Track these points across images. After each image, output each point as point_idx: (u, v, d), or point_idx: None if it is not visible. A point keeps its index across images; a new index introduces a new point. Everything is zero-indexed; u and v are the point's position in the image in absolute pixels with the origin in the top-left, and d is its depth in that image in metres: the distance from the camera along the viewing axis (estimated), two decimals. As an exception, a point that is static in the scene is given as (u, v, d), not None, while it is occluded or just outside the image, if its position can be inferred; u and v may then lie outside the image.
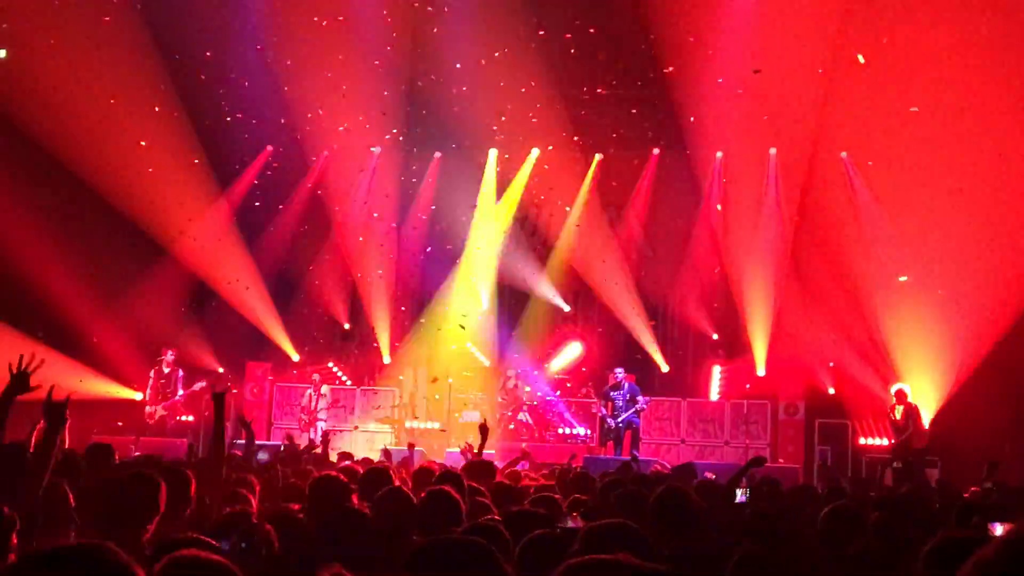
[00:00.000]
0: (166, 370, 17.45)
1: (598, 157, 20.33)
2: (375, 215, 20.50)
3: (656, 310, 20.30)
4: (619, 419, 16.87)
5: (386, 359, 20.58)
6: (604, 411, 17.30)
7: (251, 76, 18.26)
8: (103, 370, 17.54)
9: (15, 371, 5.33)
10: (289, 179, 20.33)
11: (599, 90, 18.87)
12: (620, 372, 17.35)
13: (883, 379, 17.76)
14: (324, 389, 18.43)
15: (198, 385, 17.32)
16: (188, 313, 19.29)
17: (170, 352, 17.59)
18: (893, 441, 16.82)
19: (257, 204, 19.96)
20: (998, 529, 5.26)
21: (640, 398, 16.96)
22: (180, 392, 17.32)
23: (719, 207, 19.91)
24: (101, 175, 16.88)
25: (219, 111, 18.43)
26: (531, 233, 21.19)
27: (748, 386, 19.07)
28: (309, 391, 18.41)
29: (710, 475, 12.55)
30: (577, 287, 20.95)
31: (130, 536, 4.12)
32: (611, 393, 17.19)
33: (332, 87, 18.19)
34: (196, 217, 18.75)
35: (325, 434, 11.62)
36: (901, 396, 16.80)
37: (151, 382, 17.47)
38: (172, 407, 17.41)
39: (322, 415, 18.11)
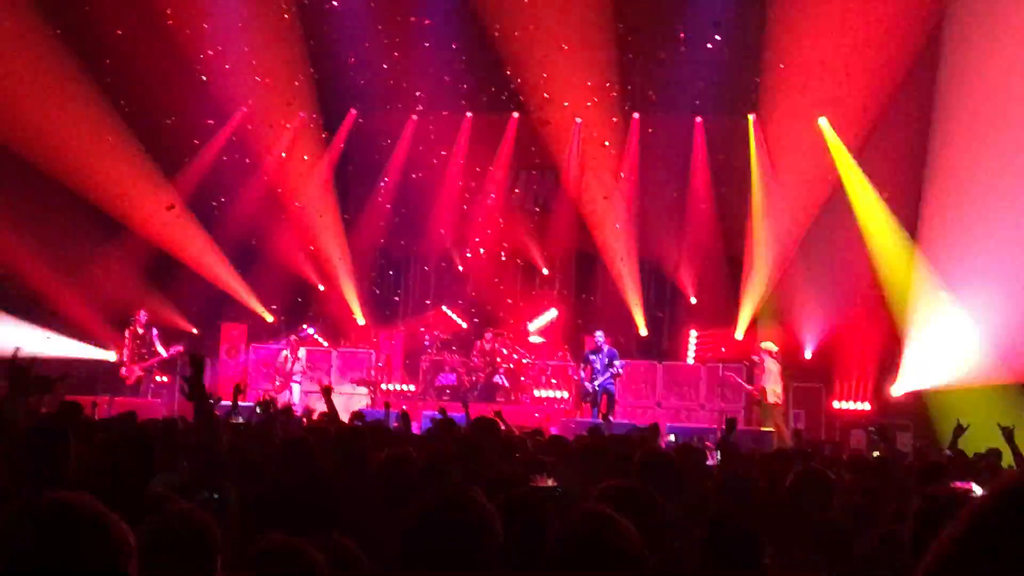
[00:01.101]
0: (140, 331, 17.35)
1: (578, 121, 20.25)
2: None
3: (650, 274, 20.27)
4: (596, 383, 16.91)
5: (360, 320, 20.61)
6: (582, 374, 17.33)
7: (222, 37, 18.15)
8: (71, 333, 17.50)
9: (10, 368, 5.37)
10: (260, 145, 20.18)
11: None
12: (600, 336, 17.33)
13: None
14: (301, 352, 18.39)
15: (174, 349, 17.24)
16: (152, 281, 19.14)
17: (142, 312, 17.49)
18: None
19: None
20: (976, 490, 5.32)
21: (617, 362, 16.96)
22: (161, 350, 17.21)
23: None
24: (51, 156, 16.75)
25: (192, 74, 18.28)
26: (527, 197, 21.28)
27: (723, 349, 19.17)
28: (285, 352, 18.37)
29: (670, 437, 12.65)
30: (560, 251, 20.97)
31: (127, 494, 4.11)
32: (590, 356, 17.19)
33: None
34: (157, 192, 18.68)
35: (326, 389, 11.39)
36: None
37: (127, 342, 17.38)
38: (149, 367, 17.33)
39: (297, 377, 18.10)
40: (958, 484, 4.90)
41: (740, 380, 17.73)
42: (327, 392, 9.07)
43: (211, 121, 19.43)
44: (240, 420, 10.27)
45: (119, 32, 17.14)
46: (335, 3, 18.65)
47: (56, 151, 16.77)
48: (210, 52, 18.09)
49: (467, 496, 3.08)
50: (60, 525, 2.06)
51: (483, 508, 3.06)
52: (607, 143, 19.73)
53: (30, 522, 2.05)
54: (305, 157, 20.48)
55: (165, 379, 18.18)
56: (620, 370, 17.04)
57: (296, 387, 17.97)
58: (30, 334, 16.27)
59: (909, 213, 17.00)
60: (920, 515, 3.16)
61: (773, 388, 16.97)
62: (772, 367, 17.10)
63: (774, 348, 17.33)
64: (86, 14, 16.80)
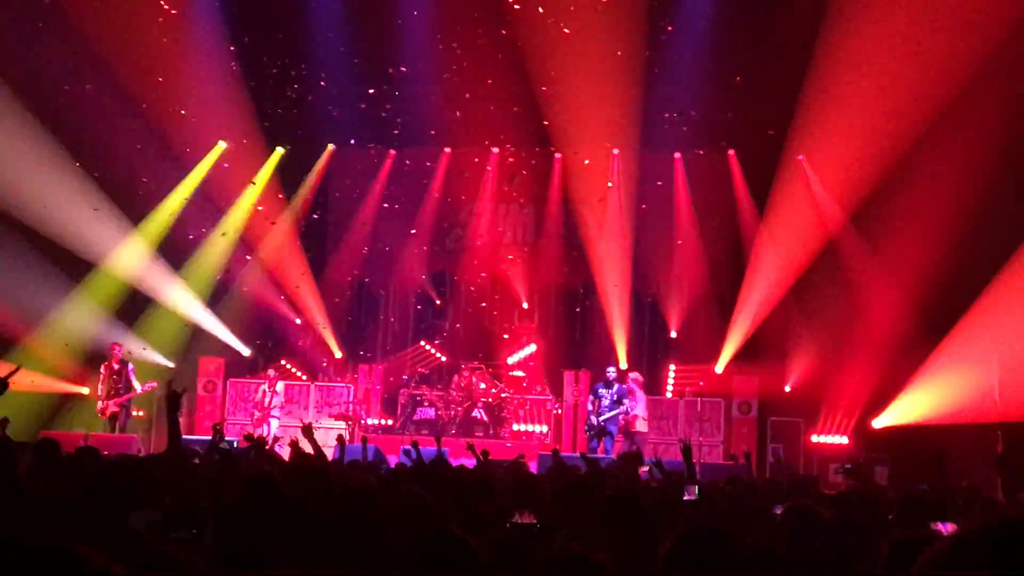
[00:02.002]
0: (116, 367, 17.22)
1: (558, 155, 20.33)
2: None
3: (633, 308, 20.27)
4: (601, 417, 16.79)
5: (336, 353, 20.57)
6: (590, 407, 17.21)
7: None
8: (45, 370, 17.39)
9: None
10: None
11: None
12: (611, 371, 17.22)
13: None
14: (279, 386, 18.30)
15: (148, 385, 17.11)
16: (126, 318, 19.03)
17: (118, 347, 17.37)
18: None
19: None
20: (944, 529, 5.32)
21: (626, 401, 16.72)
22: (136, 386, 17.07)
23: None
24: (18, 204, 16.71)
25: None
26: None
27: (702, 383, 19.20)
28: (263, 387, 18.28)
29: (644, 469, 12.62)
30: (540, 285, 21.01)
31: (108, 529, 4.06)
32: (599, 390, 17.00)
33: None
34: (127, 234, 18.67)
35: (275, 438, 11.37)
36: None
37: (102, 377, 17.25)
38: (124, 403, 17.18)
39: (275, 412, 18.02)
40: (938, 525, 4.90)
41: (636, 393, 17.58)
42: (308, 431, 9.00)
43: (185, 152, 19.38)
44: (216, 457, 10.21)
45: (83, 81, 17.24)
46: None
47: (24, 196, 16.73)
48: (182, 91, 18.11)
49: (451, 534, 3.07)
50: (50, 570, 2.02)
51: (465, 545, 3.04)
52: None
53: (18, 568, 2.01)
54: (275, 191, 20.49)
55: (141, 414, 18.07)
56: (630, 410, 16.76)
57: (274, 422, 17.87)
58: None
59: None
60: (893, 557, 3.19)
61: (643, 417, 17.04)
62: (641, 396, 17.17)
63: (641, 378, 17.46)
64: (40, 66, 16.84)
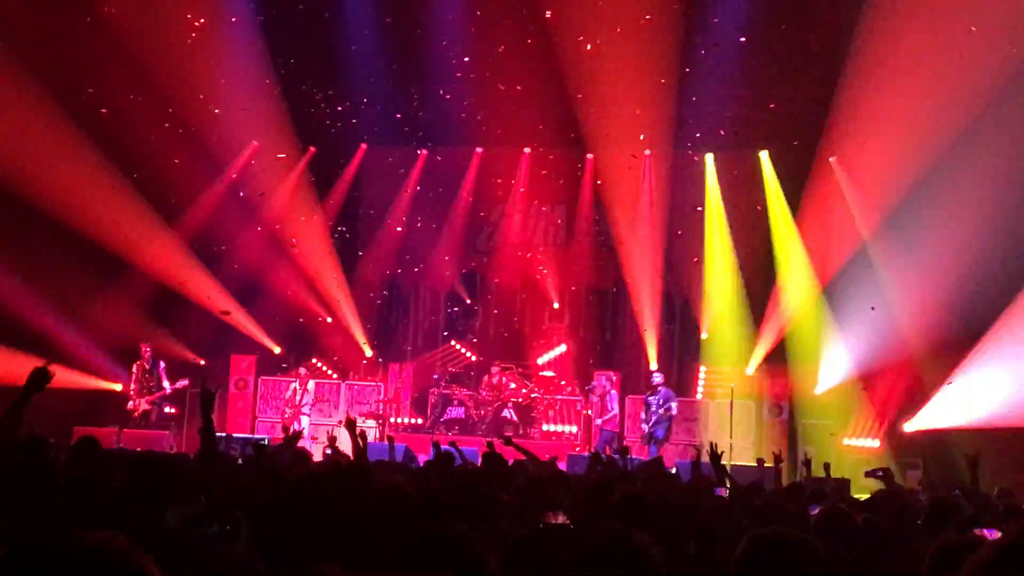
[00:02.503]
0: (147, 366, 17.33)
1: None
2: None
3: (665, 309, 20.26)
4: (650, 423, 16.96)
5: (367, 352, 20.63)
6: (643, 415, 17.40)
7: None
8: (77, 366, 17.54)
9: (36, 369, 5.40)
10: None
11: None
12: (657, 377, 17.45)
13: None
14: (310, 385, 18.39)
15: (181, 383, 17.25)
16: (158, 316, 19.16)
17: (147, 347, 17.49)
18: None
19: (241, 194, 19.87)
20: (989, 535, 5.28)
21: (673, 404, 16.96)
22: (166, 384, 17.19)
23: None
24: (57, 202, 16.79)
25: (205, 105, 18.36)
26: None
27: (732, 385, 19.09)
28: (294, 384, 18.38)
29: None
30: (571, 285, 21.00)
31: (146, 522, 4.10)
32: (648, 399, 17.25)
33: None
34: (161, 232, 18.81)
35: (295, 433, 11.33)
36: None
37: (134, 376, 17.37)
38: (156, 400, 17.29)
39: (306, 409, 18.12)
40: (983, 531, 4.86)
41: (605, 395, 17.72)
42: (351, 425, 8.99)
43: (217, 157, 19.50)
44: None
45: (117, 81, 17.28)
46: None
47: (60, 197, 16.84)
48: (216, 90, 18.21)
49: (457, 535, 3.07)
50: (95, 568, 2.02)
51: (474, 547, 3.04)
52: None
53: (62, 564, 2.01)
54: (307, 190, 20.59)
55: (173, 411, 18.19)
56: (674, 411, 17.00)
57: (305, 419, 17.97)
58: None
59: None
60: (935, 561, 3.15)
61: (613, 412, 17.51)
62: (614, 396, 17.65)
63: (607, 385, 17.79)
64: (78, 64, 16.94)
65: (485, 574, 3.02)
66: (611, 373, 19.03)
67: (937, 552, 3.19)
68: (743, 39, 17.66)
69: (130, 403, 17.28)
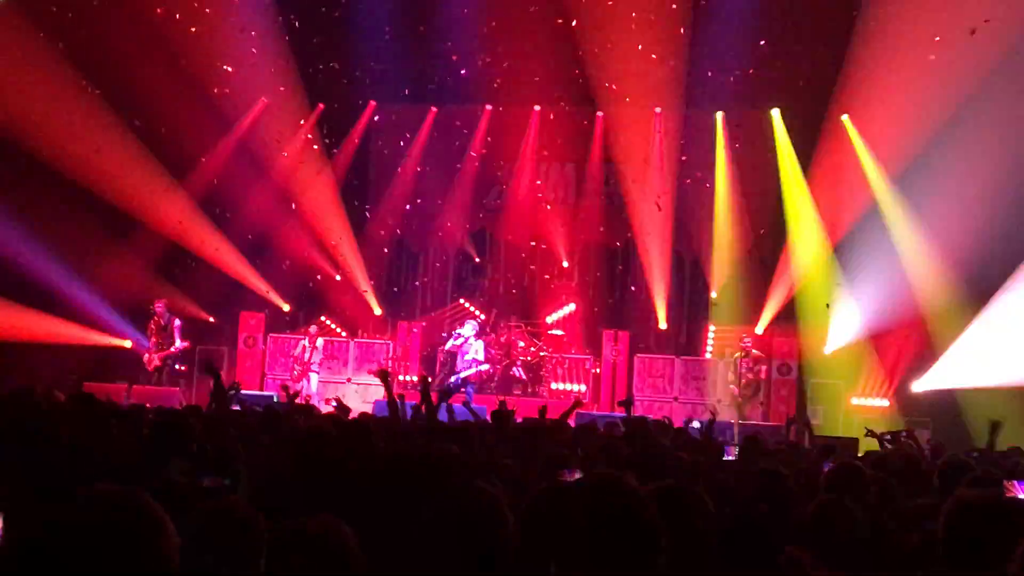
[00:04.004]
0: (162, 322, 17.32)
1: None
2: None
3: (674, 268, 20.18)
4: (740, 385, 17.60)
5: (376, 310, 20.65)
6: (730, 376, 17.97)
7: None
8: (87, 322, 17.62)
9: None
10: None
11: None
12: (747, 339, 18.00)
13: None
14: (319, 342, 18.42)
15: (181, 344, 17.24)
16: (167, 272, 19.19)
17: (159, 303, 17.47)
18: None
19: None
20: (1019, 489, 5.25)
21: (763, 367, 17.86)
22: (177, 342, 17.19)
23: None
24: (66, 159, 16.76)
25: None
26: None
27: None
28: (303, 342, 18.41)
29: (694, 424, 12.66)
30: (580, 244, 20.93)
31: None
32: (738, 358, 17.86)
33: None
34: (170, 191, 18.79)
35: (295, 392, 11.28)
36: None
37: (151, 331, 17.36)
38: (167, 357, 17.30)
39: (315, 367, 18.18)
40: (1013, 484, 4.80)
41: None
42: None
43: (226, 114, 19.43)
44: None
45: (126, 39, 17.13)
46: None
47: (70, 154, 16.81)
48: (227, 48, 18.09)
49: (482, 494, 3.04)
50: (117, 520, 2.01)
51: (496, 505, 3.02)
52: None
53: (84, 516, 2.00)
54: (316, 147, 20.52)
55: (183, 368, 18.24)
56: (763, 374, 17.84)
57: (314, 377, 18.04)
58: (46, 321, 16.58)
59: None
60: (952, 516, 3.10)
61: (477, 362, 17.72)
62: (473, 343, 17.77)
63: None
64: (91, 24, 16.84)
65: (505, 533, 2.99)
66: (620, 333, 19.06)
67: (954, 506, 3.13)
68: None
69: (145, 356, 17.32)
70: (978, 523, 2.32)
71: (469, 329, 17.63)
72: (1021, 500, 1.80)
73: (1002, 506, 3.08)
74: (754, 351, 17.70)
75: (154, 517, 2.07)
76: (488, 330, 19.11)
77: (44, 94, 16.53)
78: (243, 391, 16.88)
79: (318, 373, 18.25)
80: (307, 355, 18.21)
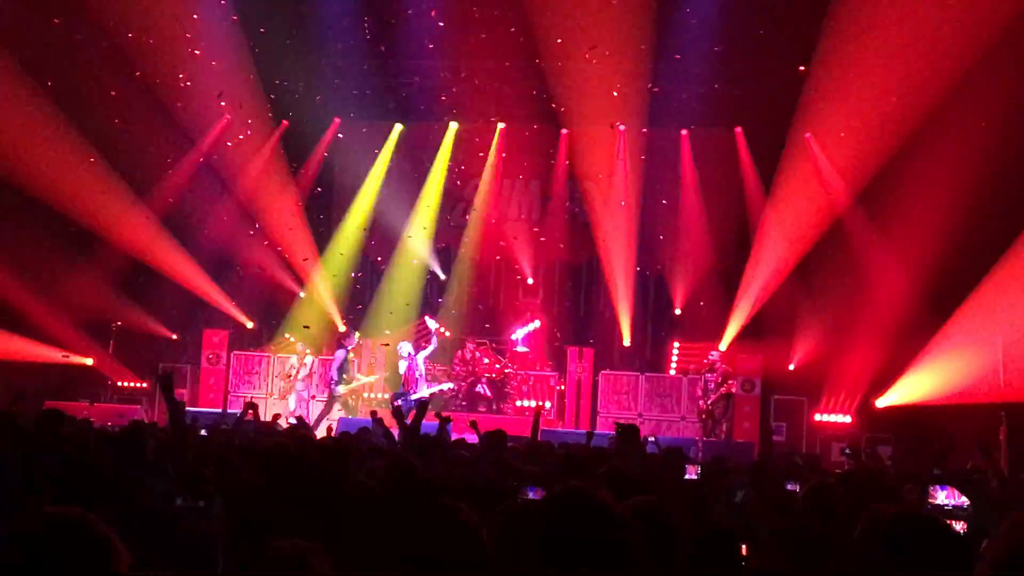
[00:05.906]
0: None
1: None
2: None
3: (638, 285, 20.24)
4: (708, 401, 17.44)
5: (340, 327, 20.59)
6: (699, 392, 17.87)
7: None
8: (48, 340, 17.47)
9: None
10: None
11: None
12: (714, 354, 17.91)
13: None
14: (308, 359, 18.41)
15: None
16: (129, 290, 19.05)
17: (119, 323, 17.40)
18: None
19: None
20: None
21: (732, 381, 17.67)
22: None
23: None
24: (24, 172, 16.68)
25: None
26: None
27: (705, 361, 19.16)
28: (291, 360, 18.43)
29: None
30: (544, 260, 20.96)
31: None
32: (706, 375, 17.76)
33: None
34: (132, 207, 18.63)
35: (255, 406, 11.27)
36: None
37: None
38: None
39: (299, 385, 18.14)
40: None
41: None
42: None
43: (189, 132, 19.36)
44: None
45: (86, 54, 17.09)
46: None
47: (30, 171, 16.71)
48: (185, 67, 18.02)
49: (454, 511, 3.04)
50: (61, 541, 2.00)
51: (470, 523, 3.01)
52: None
53: (29, 540, 1.99)
54: (280, 164, 20.47)
55: (144, 385, 18.12)
56: (734, 388, 17.76)
57: (292, 396, 18.04)
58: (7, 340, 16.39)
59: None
60: (865, 533, 3.19)
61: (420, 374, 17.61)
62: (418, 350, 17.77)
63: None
64: (48, 37, 16.76)
65: (483, 551, 2.99)
66: (584, 349, 19.11)
67: (866, 520, 3.22)
68: (717, 14, 17.64)
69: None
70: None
71: (406, 350, 17.49)
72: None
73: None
74: (720, 364, 17.73)
75: (100, 537, 2.06)
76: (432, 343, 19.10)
77: (3, 112, 16.38)
78: (204, 408, 16.87)
79: (302, 392, 18.23)
80: (295, 373, 18.22)
